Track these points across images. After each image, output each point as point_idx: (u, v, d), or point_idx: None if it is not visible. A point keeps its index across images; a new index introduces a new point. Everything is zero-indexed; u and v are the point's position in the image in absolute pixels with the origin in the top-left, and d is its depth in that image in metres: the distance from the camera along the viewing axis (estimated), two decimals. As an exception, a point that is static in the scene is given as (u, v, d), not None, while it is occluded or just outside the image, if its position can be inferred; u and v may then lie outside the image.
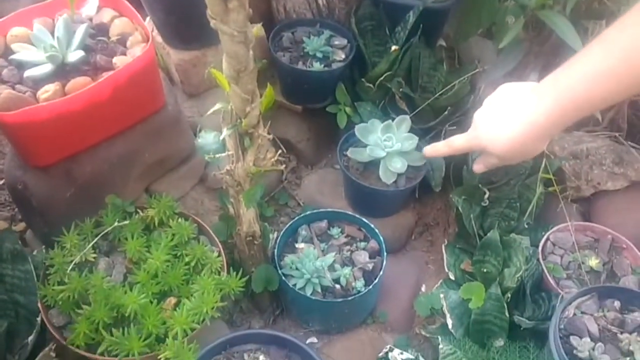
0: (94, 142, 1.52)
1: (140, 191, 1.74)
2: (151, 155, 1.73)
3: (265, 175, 1.95)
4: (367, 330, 1.69)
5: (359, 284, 1.57)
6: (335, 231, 1.70)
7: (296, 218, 1.71)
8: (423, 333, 1.59)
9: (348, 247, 1.68)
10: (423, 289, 1.81)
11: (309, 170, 2.08)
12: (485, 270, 1.66)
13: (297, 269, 1.57)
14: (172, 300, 1.36)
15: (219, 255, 1.48)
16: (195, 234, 1.52)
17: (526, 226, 1.77)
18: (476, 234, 1.76)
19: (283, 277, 1.56)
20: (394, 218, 1.90)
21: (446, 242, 1.78)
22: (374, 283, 1.54)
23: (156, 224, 1.50)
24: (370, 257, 1.63)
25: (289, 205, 1.99)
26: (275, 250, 1.62)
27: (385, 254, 1.62)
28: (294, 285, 1.55)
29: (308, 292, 1.54)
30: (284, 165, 1.44)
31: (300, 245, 1.67)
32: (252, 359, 1.34)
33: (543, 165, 1.76)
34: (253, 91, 1.31)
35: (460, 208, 1.74)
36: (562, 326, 1.35)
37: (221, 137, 1.34)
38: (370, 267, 1.60)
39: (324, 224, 1.72)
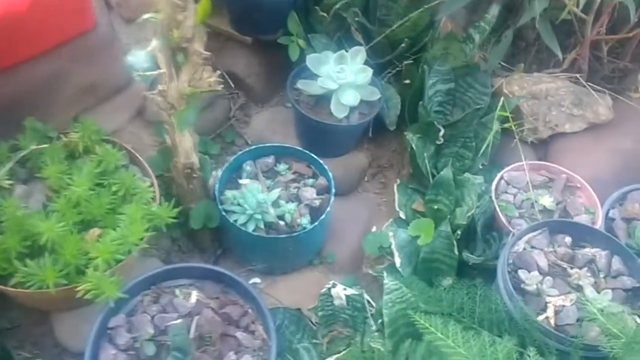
0: (14, 61, 1.36)
1: (68, 119, 1.58)
2: (79, 80, 1.57)
3: (209, 111, 1.82)
4: (313, 271, 1.61)
5: (305, 220, 1.48)
6: (282, 167, 1.60)
7: (240, 153, 1.60)
8: (371, 272, 1.52)
9: (295, 184, 1.58)
10: (374, 230, 1.74)
11: (259, 108, 1.95)
12: (436, 207, 1.59)
13: (239, 204, 1.46)
14: (97, 231, 1.24)
15: (151, 186, 1.35)
16: (126, 163, 1.39)
17: (481, 167, 1.71)
18: (429, 173, 1.69)
19: (224, 213, 1.46)
20: (346, 158, 1.81)
21: (398, 182, 1.71)
22: (320, 219, 1.46)
23: (81, 150, 1.36)
24: (318, 194, 1.54)
25: (237, 144, 1.87)
26: (217, 186, 1.51)
27: (333, 190, 1.53)
28: (235, 221, 1.45)
29: (250, 228, 1.44)
30: (221, 86, 1.30)
31: (244, 181, 1.56)
32: (184, 295, 1.24)
33: (500, 103, 1.69)
34: (184, -3, 1.17)
35: (414, 146, 1.66)
36: (511, 261, 1.30)
37: (148, 50, 1.20)
38: (317, 204, 1.51)
39: (270, 159, 1.61)
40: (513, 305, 1.20)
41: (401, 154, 1.89)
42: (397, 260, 1.48)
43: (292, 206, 1.46)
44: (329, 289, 1.32)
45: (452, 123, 1.71)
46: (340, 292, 1.30)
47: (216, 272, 1.24)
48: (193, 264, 1.35)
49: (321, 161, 1.58)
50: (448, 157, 1.74)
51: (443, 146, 1.73)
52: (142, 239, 1.20)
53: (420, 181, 1.75)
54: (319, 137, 1.72)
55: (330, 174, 1.56)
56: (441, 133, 1.67)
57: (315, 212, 1.52)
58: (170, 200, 1.36)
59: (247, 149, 1.60)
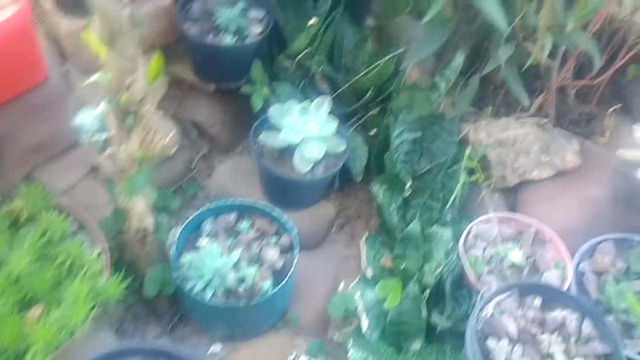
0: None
1: (17, 180, 1.50)
2: (29, 137, 1.50)
3: (170, 163, 1.75)
4: (277, 335, 1.54)
5: (267, 284, 1.41)
6: (244, 225, 1.53)
7: (200, 211, 1.53)
8: (336, 338, 1.45)
9: (258, 242, 1.51)
10: (341, 287, 1.67)
11: (223, 157, 1.89)
12: (404, 266, 1.54)
13: (196, 269, 1.39)
14: (38, 310, 1.15)
15: (101, 255, 1.27)
16: (74, 230, 1.31)
17: (448, 219, 1.67)
18: (397, 227, 1.64)
19: (178, 282, 1.38)
20: (312, 210, 1.75)
21: (366, 234, 1.65)
22: (281, 284, 1.39)
23: (25, 218, 1.28)
24: (281, 253, 1.47)
25: (198, 197, 1.80)
26: (174, 249, 1.43)
27: (297, 249, 1.47)
28: (192, 288, 1.37)
29: (207, 296, 1.36)
30: (175, 148, 1.24)
31: (203, 241, 1.49)
32: (134, 377, 1.15)
33: (467, 152, 1.66)
34: (134, 59, 1.11)
35: (380, 199, 1.61)
36: (480, 327, 1.24)
37: (95, 114, 1.13)
38: (280, 266, 1.45)
39: (232, 217, 1.55)
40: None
41: (369, 204, 1.84)
42: (364, 324, 1.42)
43: (253, 270, 1.40)
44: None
45: (419, 175, 1.66)
46: (303, 365, 1.23)
47: (169, 353, 1.15)
48: (143, 344, 1.26)
49: (284, 218, 1.52)
50: (416, 208, 1.69)
51: (410, 197, 1.68)
52: (86, 318, 1.12)
53: (388, 234, 1.70)
54: (283, 190, 1.67)
55: (294, 231, 1.50)
56: (408, 185, 1.63)
57: (278, 274, 1.45)
58: (122, 267, 1.29)
59: (208, 207, 1.53)
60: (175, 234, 1.49)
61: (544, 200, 1.72)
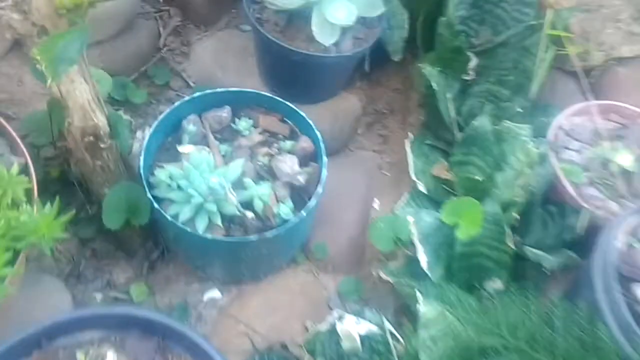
0: None
1: None
2: None
3: (127, 38, 1.23)
4: (297, 271, 1.13)
5: (285, 208, 0.96)
6: (244, 124, 1.06)
7: (178, 103, 1.04)
8: (382, 275, 1.04)
9: (266, 149, 1.05)
10: (376, 205, 1.25)
11: (202, 32, 1.36)
12: (468, 176, 1.11)
13: (179, 188, 0.92)
14: None
15: (23, 172, 0.79)
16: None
17: (520, 110, 1.22)
18: (455, 123, 1.19)
19: (156, 205, 0.92)
20: (332, 103, 1.27)
21: (411, 136, 1.20)
22: (308, 207, 0.95)
23: None
24: (301, 165, 1.02)
25: (173, 87, 1.29)
26: (142, 158, 0.96)
27: (324, 157, 1.01)
28: (176, 216, 0.92)
29: (200, 226, 0.91)
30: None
31: (185, 148, 1.01)
32: (93, 359, 0.72)
33: (549, 17, 1.17)
34: None
35: (434, 84, 1.14)
36: (610, 269, 0.85)
37: None
38: (303, 181, 0.99)
39: (225, 112, 1.06)
40: (630, 342, 0.76)
41: (406, 95, 1.37)
42: (422, 259, 1.01)
43: (264, 187, 0.94)
44: (334, 323, 0.84)
45: (489, 49, 1.19)
46: (352, 328, 0.83)
47: (146, 320, 0.72)
48: (105, 309, 0.81)
49: (302, 113, 1.05)
50: (477, 97, 1.23)
51: (470, 82, 1.22)
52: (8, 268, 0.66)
53: (437, 134, 1.25)
54: (295, 74, 1.17)
55: (317, 132, 1.03)
56: (472, 64, 1.16)
57: (299, 193, 1.00)
58: (66, 188, 0.81)
59: (189, 97, 1.04)
60: (143, 137, 1.01)
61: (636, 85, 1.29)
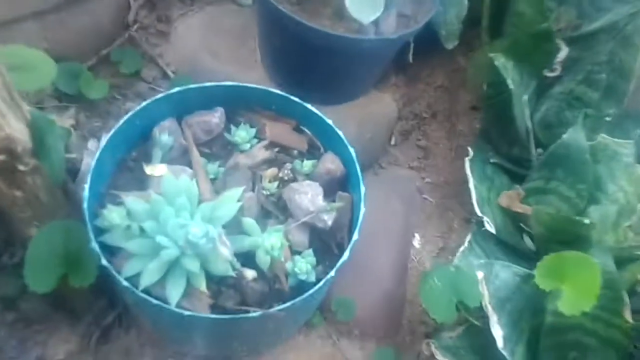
0: None
1: None
2: None
3: (82, 9, 0.90)
4: (310, 337, 0.81)
5: (303, 264, 0.64)
6: (243, 134, 0.73)
7: (148, 102, 0.71)
8: (436, 355, 0.73)
9: (274, 170, 0.72)
10: (417, 243, 0.94)
11: (186, 5, 1.02)
12: (553, 211, 0.80)
13: (143, 234, 0.60)
14: None
15: None
16: None
17: (608, 119, 0.91)
18: (532, 135, 0.88)
19: (103, 260, 0.59)
20: (359, 105, 0.95)
21: (470, 152, 0.88)
22: (338, 265, 0.63)
23: None
24: (325, 194, 0.69)
25: (144, 77, 0.96)
26: (87, 186, 0.63)
27: (362, 186, 0.69)
28: (135, 278, 0.59)
29: (173, 294, 0.59)
30: None
31: (156, 168, 0.68)
32: None
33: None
34: None
35: (510, 81, 0.82)
36: None
37: None
38: (329, 222, 0.67)
39: (216, 117, 0.74)
40: None
41: (454, 94, 1.05)
42: (497, 333, 0.70)
43: (274, 236, 0.62)
44: None
45: (577, 37, 0.87)
46: None
47: None
48: None
49: (328, 120, 0.72)
50: (555, 101, 0.92)
51: (551, 81, 0.90)
52: None
53: (500, 147, 0.94)
54: (315, 64, 0.85)
55: (351, 149, 0.71)
56: (562, 55, 0.84)
57: (321, 235, 0.68)
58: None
59: (164, 94, 0.71)
60: (92, 153, 0.68)
61: None
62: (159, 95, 0.72)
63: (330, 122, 0.73)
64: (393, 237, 0.91)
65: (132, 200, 0.63)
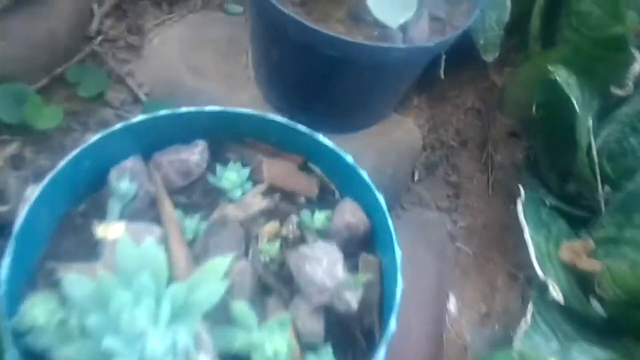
0: None
1: None
2: None
3: (28, 15, 0.71)
4: None
5: (320, 367, 0.44)
6: (232, 176, 0.54)
7: (101, 134, 0.52)
8: None
9: (274, 225, 0.53)
10: (453, 307, 0.74)
11: (163, 13, 0.84)
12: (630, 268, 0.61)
13: (84, 335, 0.40)
14: None
15: None
16: None
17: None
18: (596, 166, 0.70)
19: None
20: (378, 132, 0.77)
21: (522, 193, 0.69)
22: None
23: None
24: (346, 257, 0.49)
25: (110, 102, 0.77)
26: (9, 258, 0.43)
27: (396, 248, 0.50)
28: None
29: None
30: None
31: (111, 228, 0.49)
32: None
33: None
34: None
35: (574, 99, 0.64)
36: None
37: None
38: (354, 303, 0.47)
39: (195, 153, 0.54)
40: None
41: (488, 118, 0.87)
42: None
43: (279, 337, 0.42)
44: None
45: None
46: None
47: None
48: None
49: (346, 156, 0.54)
50: (618, 125, 0.74)
51: (618, 101, 0.73)
52: None
53: (547, 183, 0.76)
54: (326, 82, 0.66)
55: (378, 195, 0.52)
56: (638, 68, 0.67)
57: (339, 317, 0.48)
58: None
59: (122, 125, 0.52)
60: (17, 214, 0.48)
61: None
62: (118, 126, 0.53)
63: (350, 159, 0.54)
64: (424, 301, 0.72)
65: (73, 279, 0.43)
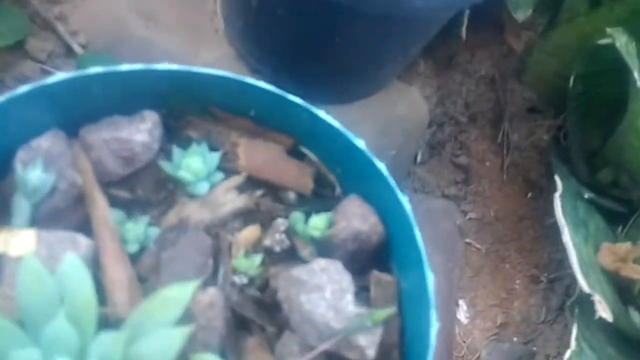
0: None
1: None
2: None
3: None
4: None
5: None
6: (194, 162, 0.38)
7: (3, 97, 0.35)
8: None
9: (252, 228, 0.38)
10: (463, 315, 0.62)
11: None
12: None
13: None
14: None
15: None
16: None
17: None
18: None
19: None
20: (378, 103, 0.62)
21: (559, 185, 0.56)
22: None
23: None
24: (355, 280, 0.35)
25: (32, 54, 0.59)
26: None
27: (425, 263, 0.36)
28: None
29: None
30: None
31: (11, 238, 0.33)
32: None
33: None
34: None
35: (636, 72, 0.51)
36: None
37: None
38: (370, 349, 0.33)
39: (142, 130, 0.38)
40: None
41: (502, 89, 0.74)
42: None
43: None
44: None
45: None
46: None
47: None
48: None
49: (358, 142, 0.39)
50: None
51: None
52: None
53: (576, 170, 0.64)
54: (319, 35, 0.50)
55: (397, 190, 0.37)
56: None
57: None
58: None
59: (36, 84, 0.35)
60: None
61: None
62: (26, 87, 0.36)
63: (360, 143, 0.39)
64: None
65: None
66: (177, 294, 0.31)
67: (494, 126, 0.73)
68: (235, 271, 0.37)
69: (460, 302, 0.63)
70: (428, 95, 0.69)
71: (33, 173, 0.35)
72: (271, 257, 0.38)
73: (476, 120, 0.74)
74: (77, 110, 0.38)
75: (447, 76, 0.72)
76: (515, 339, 0.61)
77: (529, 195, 0.71)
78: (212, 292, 0.34)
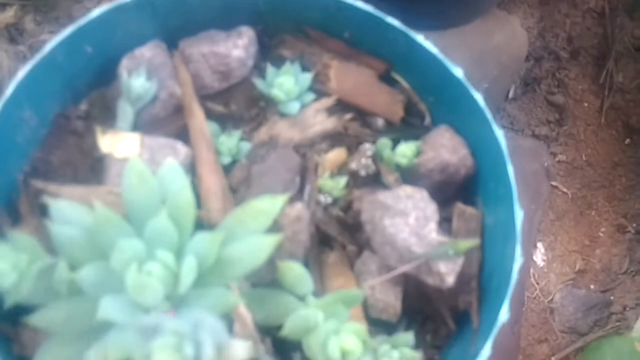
0: None
1: None
2: None
3: None
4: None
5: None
6: (287, 81, 0.39)
7: (106, 7, 0.36)
8: None
9: (339, 150, 0.38)
10: (540, 257, 0.61)
11: None
12: None
13: (73, 292, 0.28)
14: None
15: None
16: None
17: None
18: None
19: None
20: (475, 31, 0.58)
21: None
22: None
23: None
24: (440, 209, 0.35)
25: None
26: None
27: (515, 200, 0.35)
28: None
29: None
30: None
31: (116, 139, 0.35)
32: None
33: None
34: None
35: None
36: None
37: None
38: (449, 276, 0.34)
39: (239, 46, 0.38)
40: None
41: (613, 24, 0.67)
42: None
43: (349, 336, 0.29)
44: None
45: None
46: None
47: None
48: None
49: (456, 71, 0.37)
50: None
51: None
52: None
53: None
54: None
55: (494, 126, 0.36)
56: None
57: (424, 295, 0.35)
58: None
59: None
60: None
61: None
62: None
63: (458, 72, 0.38)
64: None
65: (63, 209, 0.31)
66: (268, 205, 0.32)
67: (597, 64, 0.67)
68: (320, 190, 0.38)
69: (539, 244, 0.61)
70: (529, 26, 0.64)
71: (137, 80, 0.37)
72: (355, 181, 0.39)
73: (578, 56, 0.68)
74: (176, 22, 0.39)
75: (552, 6, 0.66)
76: (592, 286, 0.59)
77: (627, 141, 0.66)
78: (298, 207, 0.35)
